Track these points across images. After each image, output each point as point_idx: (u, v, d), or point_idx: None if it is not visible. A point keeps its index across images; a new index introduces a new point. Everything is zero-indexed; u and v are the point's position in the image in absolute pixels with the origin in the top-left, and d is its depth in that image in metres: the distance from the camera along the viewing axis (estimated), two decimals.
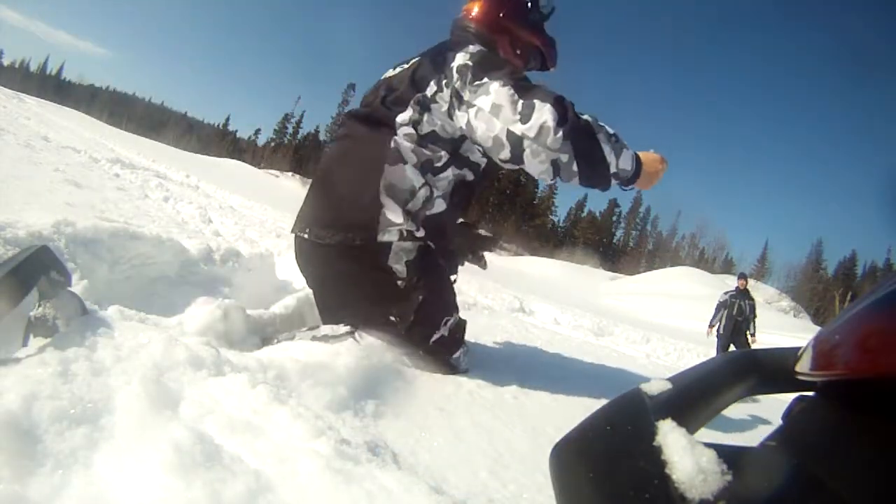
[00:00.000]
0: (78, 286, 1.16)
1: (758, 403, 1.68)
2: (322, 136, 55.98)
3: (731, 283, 8.17)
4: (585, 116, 1.23)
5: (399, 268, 1.32)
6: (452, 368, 1.36)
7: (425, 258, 1.34)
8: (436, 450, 0.96)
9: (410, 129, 1.34)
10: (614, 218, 57.34)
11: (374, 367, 1.18)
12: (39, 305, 0.74)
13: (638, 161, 1.28)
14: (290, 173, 42.10)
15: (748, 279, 8.25)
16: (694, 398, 0.46)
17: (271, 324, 1.51)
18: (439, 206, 1.39)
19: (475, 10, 1.54)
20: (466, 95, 1.26)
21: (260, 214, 7.50)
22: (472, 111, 1.25)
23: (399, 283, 1.33)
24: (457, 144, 1.39)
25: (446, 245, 1.49)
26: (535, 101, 1.19)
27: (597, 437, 0.44)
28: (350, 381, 1.05)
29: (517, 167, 1.27)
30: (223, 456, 0.60)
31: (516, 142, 1.21)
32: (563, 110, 1.20)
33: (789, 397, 0.49)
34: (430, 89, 1.32)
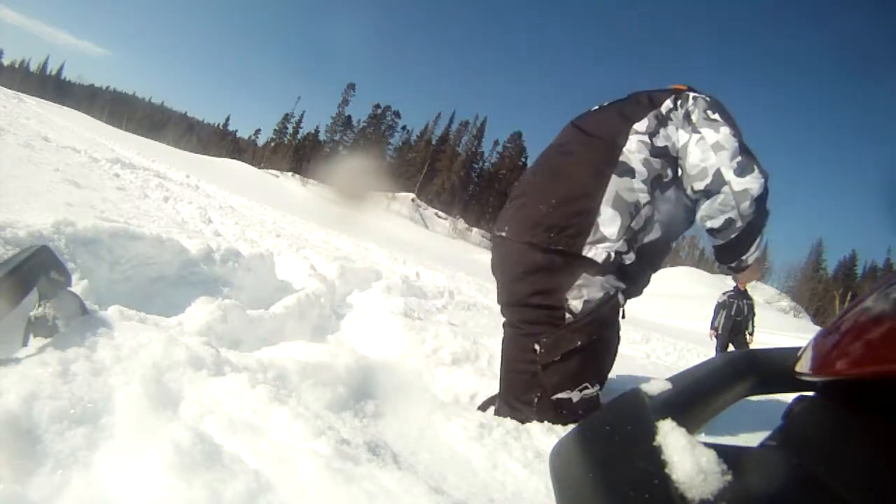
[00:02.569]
0: (78, 286, 1.16)
1: (758, 403, 1.67)
2: (322, 137, 56.03)
3: (731, 283, 8.15)
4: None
5: (575, 303, 1.18)
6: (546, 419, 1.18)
7: (607, 307, 1.20)
8: (436, 450, 0.96)
9: (646, 138, 1.26)
10: None
11: (374, 367, 1.18)
12: (39, 305, 0.74)
13: (755, 261, 1.33)
14: (290, 173, 42.08)
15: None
16: (694, 398, 0.47)
17: (271, 324, 1.51)
18: (656, 232, 1.27)
19: None
20: (695, 119, 1.25)
21: (260, 214, 7.50)
22: (695, 136, 1.24)
23: (567, 316, 1.18)
24: (676, 167, 1.29)
25: (634, 290, 1.35)
26: (755, 167, 1.21)
27: (597, 437, 0.44)
28: (350, 381, 1.05)
29: (696, 199, 1.27)
30: (223, 456, 0.60)
31: (719, 183, 1.20)
32: (767, 193, 1.23)
33: (789, 397, 0.49)
34: (666, 107, 1.29)
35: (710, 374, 0.50)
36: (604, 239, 1.17)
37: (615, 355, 1.32)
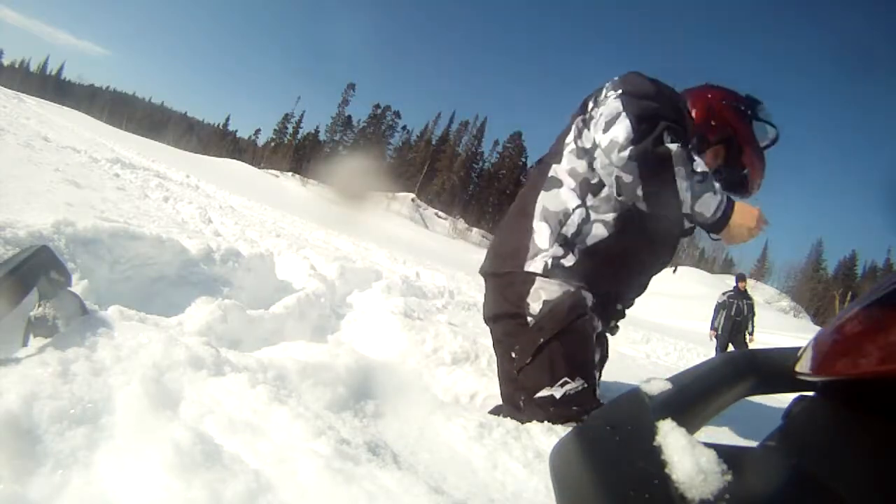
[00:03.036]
0: (78, 286, 1.16)
1: (758, 403, 1.67)
2: (322, 136, 56.02)
3: (731, 283, 8.15)
4: (671, 145, 1.13)
5: (535, 305, 1.23)
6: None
7: (567, 302, 1.22)
8: (436, 450, 0.96)
9: (573, 146, 1.29)
10: None
11: (374, 367, 1.18)
12: (39, 305, 0.74)
13: (726, 211, 1.16)
14: (290, 173, 42.08)
15: (747, 279, 8.26)
16: (694, 398, 0.46)
17: (271, 324, 1.51)
18: (598, 232, 1.26)
19: None
20: (601, 108, 1.27)
21: (260, 214, 7.50)
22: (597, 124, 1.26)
23: (529, 319, 1.23)
24: None
25: (611, 289, 1.34)
26: (625, 113, 1.15)
27: (597, 437, 0.44)
28: (350, 381, 1.05)
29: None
30: (223, 456, 0.60)
31: (593, 151, 1.22)
32: (641, 134, 1.13)
33: (789, 397, 0.49)
34: (590, 107, 1.29)
35: (710, 374, 0.50)
36: (539, 251, 1.26)
37: (596, 347, 1.28)
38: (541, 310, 1.22)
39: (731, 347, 7.32)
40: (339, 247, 5.73)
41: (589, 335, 1.25)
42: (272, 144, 58.79)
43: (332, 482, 0.60)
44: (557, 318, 1.20)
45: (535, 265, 1.25)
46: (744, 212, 1.17)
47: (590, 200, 1.27)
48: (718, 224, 1.17)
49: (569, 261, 1.25)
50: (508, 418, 1.16)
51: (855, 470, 0.37)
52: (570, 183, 1.28)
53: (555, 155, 1.34)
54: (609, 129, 1.16)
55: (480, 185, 52.80)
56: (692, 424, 0.42)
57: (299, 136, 57.05)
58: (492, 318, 1.36)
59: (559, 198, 1.28)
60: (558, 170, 1.31)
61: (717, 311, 7.61)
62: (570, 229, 1.25)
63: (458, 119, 54.83)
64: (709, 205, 1.15)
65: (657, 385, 0.47)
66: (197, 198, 5.95)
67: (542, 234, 1.26)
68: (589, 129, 1.26)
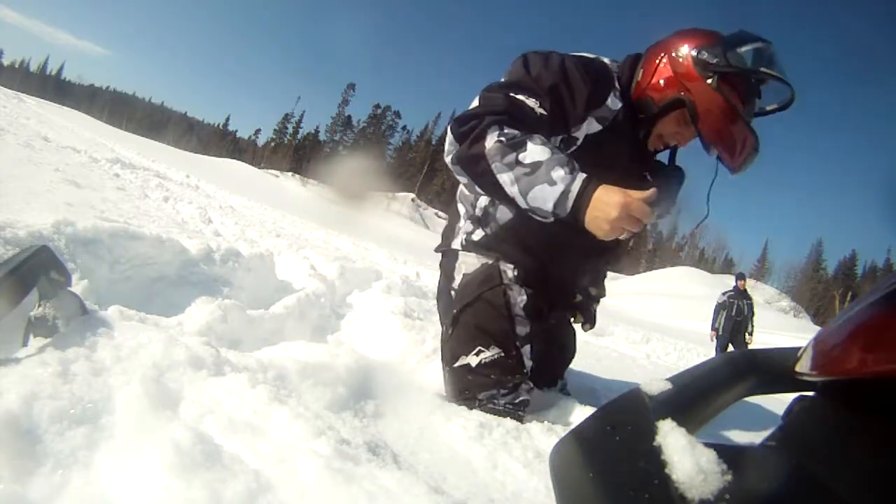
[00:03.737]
0: (78, 286, 1.16)
1: (758, 403, 1.68)
2: (322, 136, 56.02)
3: (731, 282, 8.16)
4: (488, 141, 1.04)
5: (458, 279, 1.31)
6: (463, 401, 1.20)
7: (482, 273, 1.26)
8: (436, 450, 0.96)
9: (447, 156, 1.28)
10: None
11: (374, 367, 1.18)
12: (39, 305, 0.74)
13: (576, 203, 1.00)
14: (290, 173, 42.09)
15: (747, 279, 8.27)
16: (694, 398, 0.47)
17: (271, 324, 1.51)
18: (504, 212, 1.27)
19: None
20: None
21: (260, 214, 7.50)
22: None
23: (451, 292, 1.33)
24: None
25: (531, 266, 1.27)
26: (457, 119, 1.11)
27: (597, 437, 0.44)
28: (350, 381, 1.05)
29: None
30: (223, 456, 0.60)
31: None
32: (462, 136, 1.08)
33: (789, 397, 0.49)
34: None
35: (710, 374, 0.50)
36: (459, 229, 1.35)
37: (507, 316, 1.20)
38: (460, 282, 1.30)
39: (731, 347, 7.33)
40: (339, 247, 5.73)
41: (500, 305, 1.21)
42: (272, 144, 58.82)
43: (332, 482, 0.60)
44: (469, 290, 1.26)
45: (456, 242, 1.35)
46: (601, 201, 0.97)
47: None
48: (569, 218, 1.01)
49: (477, 235, 1.31)
50: (508, 418, 1.16)
51: (855, 470, 0.37)
52: None
53: None
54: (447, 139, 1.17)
55: None
56: (692, 424, 0.41)
57: (299, 136, 57.10)
58: (436, 297, 1.47)
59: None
60: None
61: (717, 311, 7.61)
62: (478, 211, 1.32)
63: None
64: (544, 198, 1.01)
65: (657, 385, 0.46)
66: (197, 198, 5.95)
67: (461, 215, 1.36)
68: None
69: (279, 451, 0.64)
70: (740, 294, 7.52)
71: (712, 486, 0.36)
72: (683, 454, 0.37)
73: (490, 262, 1.27)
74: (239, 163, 37.36)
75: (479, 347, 1.20)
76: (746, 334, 7.38)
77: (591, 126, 1.20)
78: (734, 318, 7.40)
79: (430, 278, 4.87)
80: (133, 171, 6.07)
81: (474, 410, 1.20)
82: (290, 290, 1.88)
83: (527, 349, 1.23)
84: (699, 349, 6.79)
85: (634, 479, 0.37)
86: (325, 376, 1.00)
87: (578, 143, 1.21)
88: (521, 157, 1.03)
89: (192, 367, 0.76)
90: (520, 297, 1.23)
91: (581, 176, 1.01)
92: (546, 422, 1.19)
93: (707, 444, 0.38)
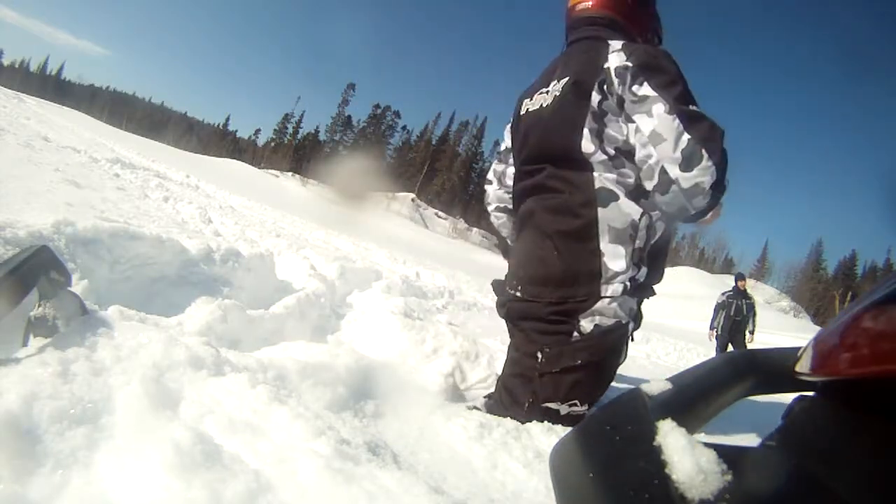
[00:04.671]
0: (78, 286, 1.16)
1: (758, 403, 1.67)
2: (322, 136, 56.01)
3: (731, 283, 8.16)
4: (718, 126, 1.11)
5: (586, 324, 1.18)
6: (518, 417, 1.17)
7: (615, 335, 1.19)
8: (436, 450, 0.96)
9: (600, 155, 1.19)
10: None
11: (374, 367, 1.18)
12: (39, 305, 0.73)
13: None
14: (290, 173, 42.10)
15: (746, 279, 8.27)
16: (694, 398, 0.47)
17: (271, 324, 1.51)
18: (660, 230, 1.22)
19: None
20: (627, 105, 1.16)
21: (260, 214, 7.50)
22: (631, 127, 1.16)
23: (575, 334, 1.18)
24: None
25: (655, 282, 1.29)
26: (704, 151, 1.07)
27: (597, 437, 0.44)
28: (350, 381, 1.05)
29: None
30: (223, 456, 0.60)
31: (666, 182, 1.12)
32: (723, 172, 1.09)
33: (789, 397, 0.49)
34: (595, 99, 1.19)
35: (710, 374, 0.50)
36: (615, 275, 1.17)
37: (610, 382, 1.27)
38: (591, 331, 1.17)
39: (731, 347, 7.33)
40: (339, 247, 5.73)
41: (615, 371, 1.24)
42: (272, 144, 58.81)
43: (332, 482, 0.60)
44: (601, 350, 1.18)
45: (612, 289, 1.17)
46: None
47: (643, 203, 1.20)
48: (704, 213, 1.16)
49: (642, 275, 1.21)
50: (508, 418, 1.16)
51: (855, 470, 0.37)
52: (621, 191, 1.20)
53: (570, 161, 1.23)
54: (692, 168, 1.08)
55: (480, 185, 52.75)
56: (692, 424, 0.42)
57: (299, 136, 57.10)
58: (519, 315, 1.29)
59: (620, 210, 1.18)
60: (600, 179, 1.20)
61: (716, 311, 7.62)
62: (640, 241, 1.18)
63: (458, 119, 54.96)
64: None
65: (657, 385, 0.47)
66: (197, 198, 5.95)
67: (615, 255, 1.18)
68: (606, 127, 1.19)
69: (279, 451, 0.64)
70: (739, 294, 7.53)
71: (712, 486, 0.36)
72: (683, 454, 0.37)
73: (623, 320, 1.19)
74: (239, 163, 37.39)
75: (576, 402, 1.18)
76: (747, 332, 7.39)
77: None
78: (733, 317, 7.41)
79: (430, 278, 4.87)
80: (133, 171, 6.07)
81: (474, 410, 1.20)
82: (290, 290, 1.88)
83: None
84: (699, 349, 6.79)
85: (634, 479, 0.37)
86: (325, 376, 1.00)
87: None
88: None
89: (192, 367, 0.76)
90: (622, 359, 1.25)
91: None
92: (546, 422, 1.19)
93: (707, 444, 0.38)
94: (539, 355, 1.19)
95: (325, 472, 0.61)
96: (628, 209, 1.18)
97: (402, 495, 0.62)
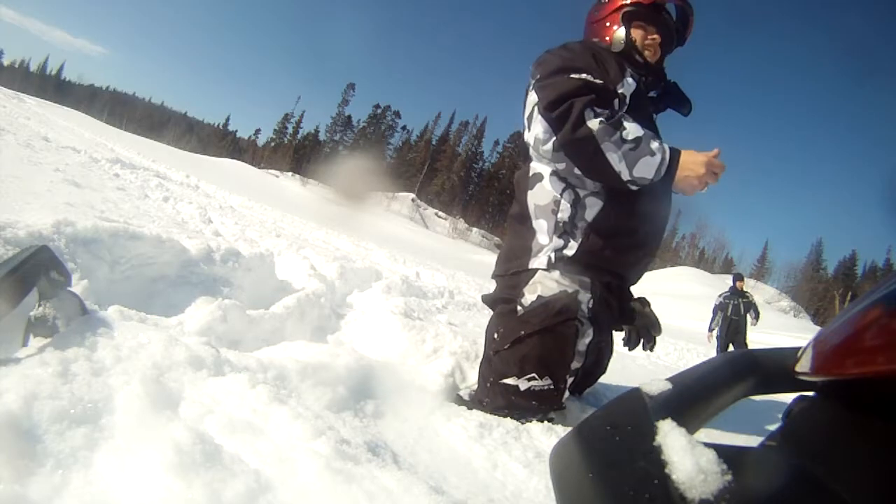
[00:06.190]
0: (78, 286, 1.16)
1: (758, 403, 1.67)
2: (322, 137, 56.02)
3: (730, 283, 8.16)
4: (591, 124, 1.14)
5: (529, 296, 1.24)
6: (494, 411, 1.21)
7: (560, 302, 1.21)
8: (436, 450, 0.96)
9: (531, 138, 1.28)
10: None
11: (374, 367, 1.18)
12: (39, 305, 0.74)
13: (669, 169, 1.16)
14: (290, 173, 42.12)
15: (745, 279, 8.28)
16: (694, 398, 0.47)
17: (271, 324, 1.51)
18: (593, 204, 1.25)
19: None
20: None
21: (260, 214, 7.50)
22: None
23: (518, 308, 1.25)
24: None
25: (620, 270, 1.31)
26: (539, 114, 1.21)
27: (597, 437, 0.44)
28: (350, 381, 1.05)
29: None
30: (223, 456, 0.60)
31: (533, 148, 1.28)
32: (559, 122, 1.16)
33: (789, 397, 0.49)
34: (530, 101, 1.27)
35: (710, 374, 0.50)
36: (542, 247, 1.27)
37: (571, 354, 1.22)
38: (532, 302, 1.23)
39: (731, 348, 7.33)
40: (339, 247, 5.73)
41: (569, 340, 1.22)
42: (272, 144, 58.79)
43: (332, 482, 0.60)
44: (543, 316, 1.21)
45: (538, 261, 1.26)
46: (689, 162, 1.16)
47: (572, 180, 1.27)
48: (666, 182, 1.18)
49: (570, 249, 1.24)
50: (507, 418, 1.16)
51: (855, 470, 0.37)
52: (547, 172, 1.29)
53: (525, 154, 1.38)
54: (531, 127, 1.23)
55: (480, 185, 52.85)
56: (692, 424, 0.42)
57: (299, 136, 57.08)
58: (490, 303, 1.41)
59: (544, 189, 1.29)
60: (534, 166, 1.33)
61: (714, 312, 7.63)
62: (564, 214, 1.25)
63: (458, 119, 54.97)
64: (648, 168, 1.16)
65: (657, 385, 0.46)
66: (197, 198, 5.95)
67: (541, 230, 1.28)
68: (532, 119, 1.27)
69: (279, 451, 0.64)
70: (737, 294, 7.53)
71: (712, 486, 0.35)
72: (683, 454, 0.37)
73: (569, 289, 1.22)
74: (239, 163, 37.37)
75: (533, 375, 1.20)
76: (749, 324, 7.39)
77: (628, 84, 1.29)
78: (731, 318, 7.42)
79: (430, 278, 4.87)
80: (133, 171, 6.07)
81: (474, 410, 1.20)
82: (290, 290, 1.88)
83: (570, 380, 1.25)
84: (699, 349, 6.79)
85: (634, 479, 0.37)
86: (325, 376, 1.00)
87: (627, 100, 1.27)
88: (624, 134, 1.15)
89: (192, 367, 0.76)
90: (587, 335, 1.24)
91: (666, 143, 1.18)
92: (546, 422, 1.19)
93: (707, 444, 0.38)
94: (495, 336, 1.27)
95: (325, 471, 0.61)
96: (550, 187, 1.28)
97: (402, 495, 0.63)
